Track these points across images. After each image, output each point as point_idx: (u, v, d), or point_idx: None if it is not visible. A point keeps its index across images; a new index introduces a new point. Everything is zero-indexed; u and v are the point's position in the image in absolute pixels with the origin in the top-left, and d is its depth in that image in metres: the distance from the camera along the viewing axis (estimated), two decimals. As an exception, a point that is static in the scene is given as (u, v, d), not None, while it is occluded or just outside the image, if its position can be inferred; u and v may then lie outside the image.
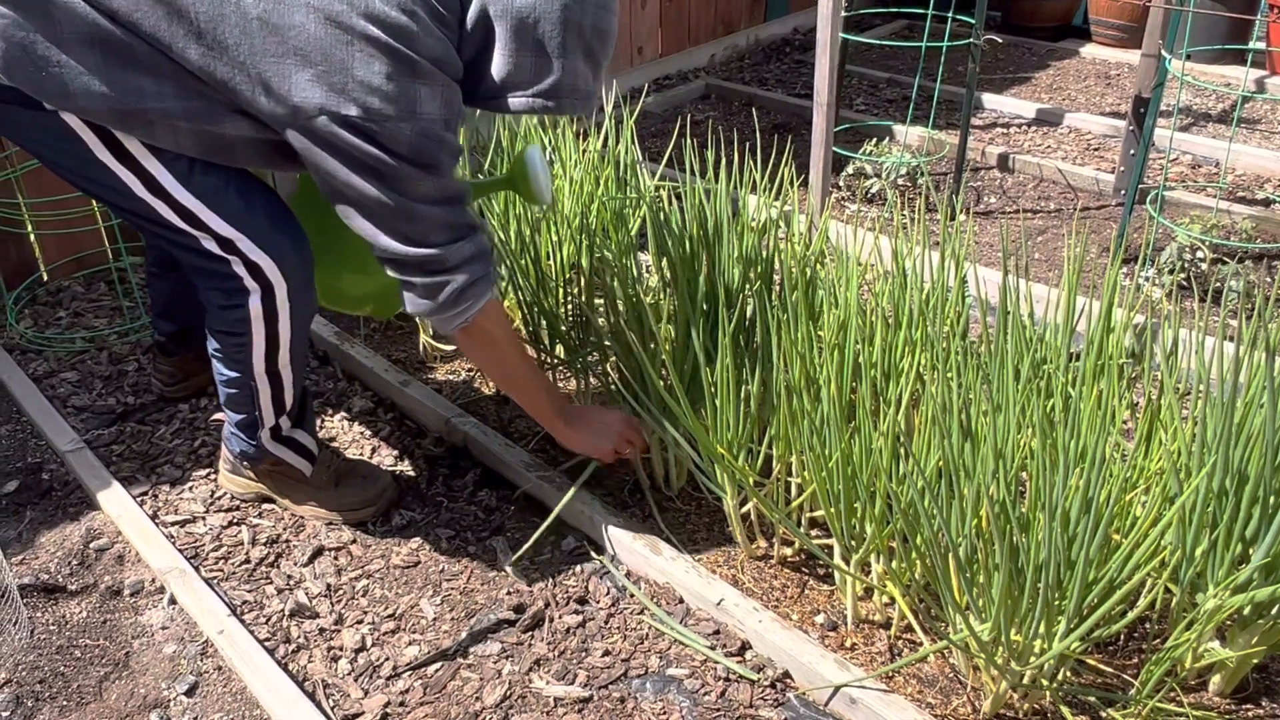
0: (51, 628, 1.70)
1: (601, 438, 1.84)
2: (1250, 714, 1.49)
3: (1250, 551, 1.38)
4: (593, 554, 1.82)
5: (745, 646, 1.62)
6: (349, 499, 1.90)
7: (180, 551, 1.82)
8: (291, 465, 1.88)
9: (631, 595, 1.73)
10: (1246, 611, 1.41)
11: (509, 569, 1.80)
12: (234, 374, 1.74)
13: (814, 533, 1.82)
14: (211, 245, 1.60)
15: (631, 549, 1.77)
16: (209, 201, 1.57)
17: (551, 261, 2.07)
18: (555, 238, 2.08)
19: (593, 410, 1.89)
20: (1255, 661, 1.51)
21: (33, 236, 2.68)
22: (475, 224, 1.59)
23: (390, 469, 2.05)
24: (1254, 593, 1.36)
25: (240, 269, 1.62)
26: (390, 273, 1.58)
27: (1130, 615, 1.38)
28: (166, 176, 1.54)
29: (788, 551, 1.79)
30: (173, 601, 1.74)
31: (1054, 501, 1.29)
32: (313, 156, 1.47)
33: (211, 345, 1.74)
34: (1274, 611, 1.40)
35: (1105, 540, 1.33)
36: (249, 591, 1.76)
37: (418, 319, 2.17)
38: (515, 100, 1.52)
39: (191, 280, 1.70)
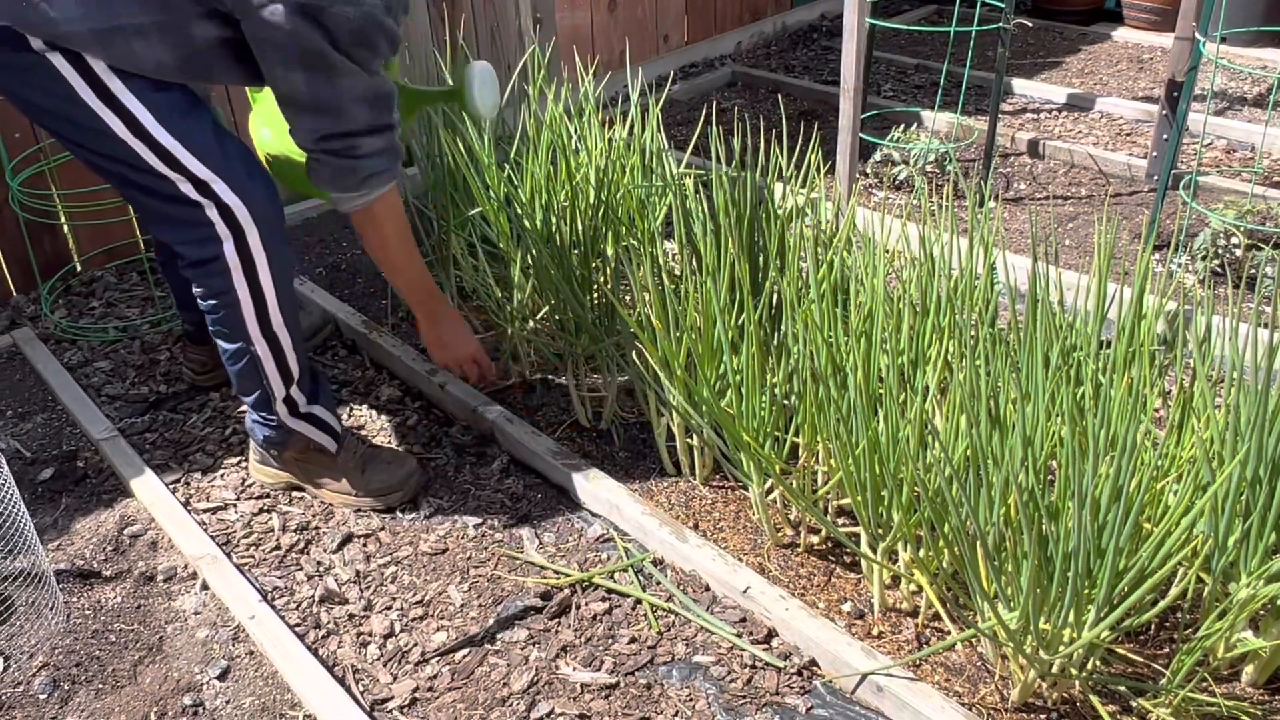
0: (87, 612, 1.73)
1: (450, 350, 2.12)
2: (1284, 705, 1.47)
3: (1284, 540, 1.37)
4: (619, 541, 1.82)
5: (771, 634, 1.62)
6: (376, 484, 1.92)
7: (212, 538, 1.85)
8: (316, 442, 1.90)
9: (658, 583, 1.73)
10: (1280, 601, 1.40)
11: (536, 556, 1.80)
12: (234, 345, 1.78)
13: (840, 521, 1.81)
14: (188, 189, 1.65)
15: (658, 536, 1.78)
16: (186, 142, 1.62)
17: (577, 250, 2.07)
18: (581, 226, 2.08)
19: (459, 325, 2.12)
20: (1289, 652, 1.49)
21: (66, 228, 2.71)
22: (394, 123, 1.73)
23: (418, 456, 2.06)
24: (1288, 582, 1.34)
25: (214, 214, 1.67)
26: (301, 147, 1.72)
27: (1161, 604, 1.36)
28: (147, 116, 1.59)
29: (814, 539, 1.79)
30: (205, 587, 1.76)
31: (1083, 489, 1.27)
32: (261, 50, 1.59)
33: (209, 321, 1.79)
34: (1308, 601, 1.39)
35: (1136, 529, 1.32)
36: (279, 578, 1.78)
37: None
38: None
39: (166, 238, 1.77)
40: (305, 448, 1.91)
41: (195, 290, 1.75)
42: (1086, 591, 1.33)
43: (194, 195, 1.65)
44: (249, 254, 1.70)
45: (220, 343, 1.80)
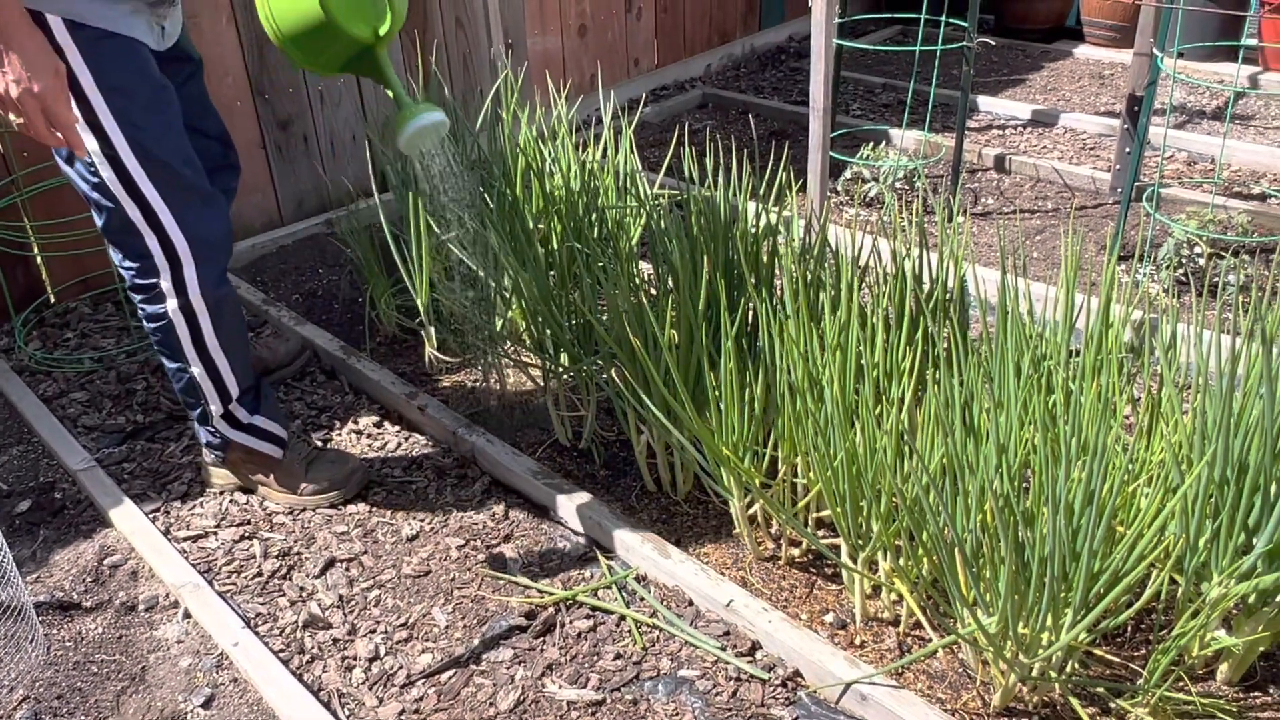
0: (68, 644, 1.71)
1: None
2: (1258, 701, 1.50)
3: (1253, 540, 1.40)
4: (602, 558, 1.83)
5: (755, 646, 1.63)
6: (320, 483, 1.99)
7: (193, 566, 1.84)
8: (259, 451, 1.97)
9: (641, 599, 1.74)
10: (1251, 599, 1.43)
11: (519, 576, 1.81)
12: (174, 364, 1.86)
13: (820, 532, 1.83)
14: (135, 215, 1.68)
15: (640, 553, 1.79)
16: (149, 170, 1.65)
17: (555, 271, 2.09)
18: (558, 248, 2.10)
19: (33, 52, 1.49)
20: (1262, 649, 1.52)
21: (39, 259, 2.70)
22: None
23: (400, 480, 2.07)
24: (1258, 580, 1.37)
25: (154, 245, 1.71)
26: None
27: (1136, 605, 1.39)
28: (116, 132, 1.61)
29: (795, 552, 1.81)
30: (187, 616, 1.75)
31: (1057, 495, 1.30)
32: None
33: (150, 339, 1.86)
34: (1278, 599, 1.42)
35: (1109, 532, 1.35)
36: (262, 604, 1.78)
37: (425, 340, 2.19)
38: None
39: (112, 256, 1.80)
40: (248, 454, 1.97)
41: (140, 314, 1.83)
42: (1063, 595, 1.36)
43: (141, 224, 1.69)
44: (184, 286, 1.76)
45: (162, 359, 1.89)
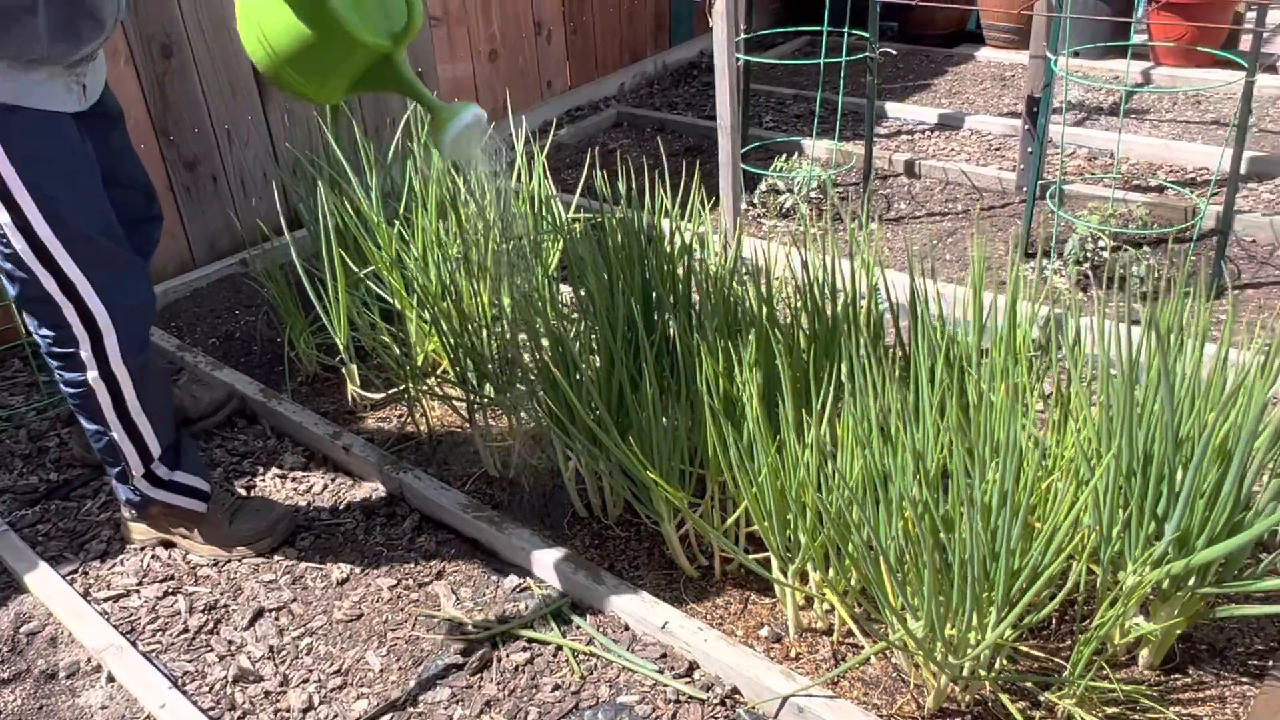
0: (-15, 719, 1.65)
1: None
2: (1179, 683, 1.55)
3: (1164, 527, 1.44)
4: (536, 588, 1.82)
5: (693, 667, 1.63)
6: (245, 533, 1.95)
7: (115, 627, 1.79)
8: (181, 508, 1.92)
9: (578, 627, 1.74)
10: (1165, 585, 1.47)
11: (453, 612, 1.79)
12: (94, 426, 1.80)
13: (751, 548, 1.85)
14: (52, 286, 1.63)
15: (574, 580, 1.78)
16: (65, 241, 1.61)
17: (474, 301, 2.08)
18: (476, 278, 2.09)
19: None
20: (1179, 632, 1.57)
21: (-61, 318, 2.61)
22: None
23: (328, 523, 2.03)
24: (1169, 566, 1.41)
25: (72, 315, 1.66)
26: None
27: (1058, 598, 1.42)
28: (30, 204, 1.56)
29: (728, 568, 1.81)
30: (111, 679, 1.70)
31: (974, 497, 1.33)
32: None
33: (69, 402, 1.80)
34: (1190, 583, 1.46)
35: (1026, 528, 1.38)
36: (189, 661, 1.73)
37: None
38: None
39: (28, 322, 1.74)
40: (170, 509, 1.92)
41: (57, 377, 1.77)
42: (986, 594, 1.38)
43: (57, 295, 1.64)
44: (104, 355, 1.71)
45: (81, 420, 1.83)
